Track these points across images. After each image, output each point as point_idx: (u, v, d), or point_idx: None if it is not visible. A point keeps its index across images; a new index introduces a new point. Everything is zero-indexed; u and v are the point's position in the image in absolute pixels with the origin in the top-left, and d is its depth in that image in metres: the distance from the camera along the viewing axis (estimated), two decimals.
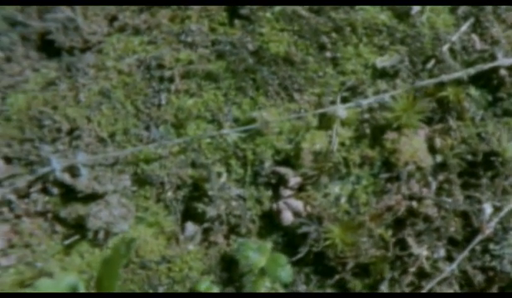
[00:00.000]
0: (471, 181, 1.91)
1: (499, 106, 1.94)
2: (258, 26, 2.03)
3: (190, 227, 2.01)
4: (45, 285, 1.59)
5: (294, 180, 1.95)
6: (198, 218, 2.01)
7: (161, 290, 1.96)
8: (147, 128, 2.03)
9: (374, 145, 1.94)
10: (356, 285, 1.91)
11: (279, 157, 1.98)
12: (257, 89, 2.01)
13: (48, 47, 2.12)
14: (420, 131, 1.94)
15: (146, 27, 2.08)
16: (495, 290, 1.85)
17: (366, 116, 1.96)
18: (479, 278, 1.87)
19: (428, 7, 1.99)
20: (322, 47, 2.01)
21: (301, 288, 1.94)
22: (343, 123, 1.96)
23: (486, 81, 1.95)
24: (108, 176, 1.98)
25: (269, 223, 1.99)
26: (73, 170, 1.97)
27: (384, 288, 1.88)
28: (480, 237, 1.86)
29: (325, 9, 2.02)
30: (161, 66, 2.04)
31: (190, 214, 2.02)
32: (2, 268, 1.95)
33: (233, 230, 2.00)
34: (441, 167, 1.93)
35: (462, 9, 2.00)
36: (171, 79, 2.03)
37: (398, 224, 1.90)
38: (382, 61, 1.99)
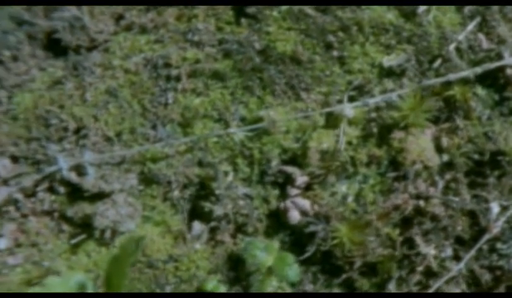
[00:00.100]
0: (478, 180, 1.91)
1: (506, 105, 1.94)
2: (264, 24, 2.03)
3: (197, 226, 2.01)
4: (53, 284, 1.59)
5: (301, 179, 1.95)
6: (205, 217, 2.01)
7: (168, 289, 1.96)
8: (154, 127, 2.02)
9: (381, 144, 1.94)
10: (364, 285, 1.91)
11: (286, 156, 1.98)
12: (264, 88, 2.01)
13: (55, 46, 2.11)
14: (427, 130, 1.94)
15: (152, 26, 2.08)
16: (502, 289, 1.85)
17: (373, 115, 1.96)
18: (486, 277, 1.87)
19: (435, 6, 1.99)
20: (329, 46, 2.01)
21: (309, 287, 1.94)
22: (350, 122, 1.96)
23: (493, 80, 1.95)
24: (115, 175, 1.98)
25: (276, 222, 1.99)
26: (80, 169, 1.97)
27: (391, 287, 1.88)
28: (487, 237, 1.86)
29: (331, 8, 2.02)
30: (167, 65, 2.03)
31: (196, 213, 2.02)
32: (9, 267, 1.95)
33: (240, 229, 2.00)
34: (448, 166, 1.93)
35: (469, 8, 2.00)
36: (178, 78, 2.03)
37: (406, 223, 1.90)
38: (389, 60, 1.99)
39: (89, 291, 1.56)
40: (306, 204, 1.93)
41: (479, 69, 1.92)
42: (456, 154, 1.91)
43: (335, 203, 1.92)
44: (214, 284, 1.94)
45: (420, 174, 1.91)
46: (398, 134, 1.92)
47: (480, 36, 1.98)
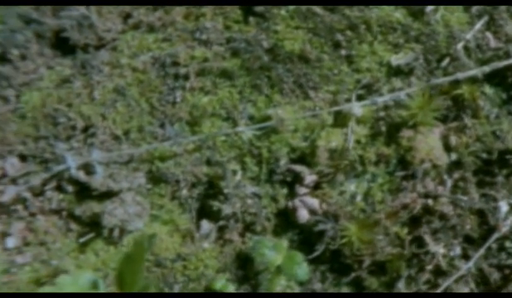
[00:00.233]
0: (487, 179, 1.91)
1: None
2: (272, 23, 2.03)
3: (206, 225, 2.01)
4: (64, 283, 1.59)
5: (310, 177, 1.95)
6: (213, 216, 2.00)
7: (176, 287, 1.96)
8: (162, 126, 2.02)
9: (389, 143, 1.94)
10: (373, 283, 1.91)
11: (294, 155, 1.98)
12: (272, 87, 2.01)
13: (62, 45, 2.11)
14: (435, 129, 1.94)
15: (160, 25, 2.08)
16: (511, 288, 1.85)
17: (382, 114, 1.96)
18: (495, 276, 1.87)
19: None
20: (337, 45, 2.01)
21: (317, 286, 1.94)
22: (358, 121, 1.96)
23: (501, 79, 1.95)
24: (123, 174, 1.98)
25: (284, 221, 1.99)
26: (88, 168, 1.97)
27: (400, 286, 1.88)
28: (496, 235, 1.86)
29: (339, 7, 2.02)
30: (175, 64, 2.03)
31: (205, 212, 2.02)
32: (18, 266, 1.95)
33: (248, 228, 2.00)
34: (457, 165, 1.93)
35: (476, 7, 2.00)
36: (186, 77, 2.02)
37: (414, 222, 1.90)
38: (397, 59, 1.99)
39: (101, 290, 1.56)
40: (314, 202, 1.93)
41: (487, 68, 1.92)
42: (465, 153, 1.91)
43: (344, 202, 1.92)
44: (222, 283, 1.94)
45: (428, 173, 1.91)
46: (406, 133, 1.92)
47: (488, 34, 1.98)
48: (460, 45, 1.96)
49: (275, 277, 1.91)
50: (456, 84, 1.94)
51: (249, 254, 1.94)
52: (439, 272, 1.88)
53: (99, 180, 1.96)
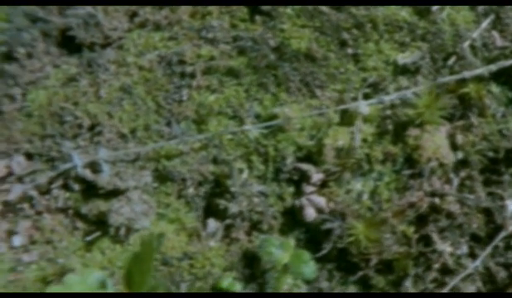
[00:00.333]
0: (493, 178, 1.91)
1: None
2: (279, 22, 2.03)
3: (212, 223, 2.01)
4: (72, 281, 1.59)
5: (316, 176, 1.95)
6: (220, 214, 2.00)
7: (183, 286, 1.95)
8: (169, 124, 2.02)
9: (396, 141, 1.94)
10: (380, 282, 1.91)
11: (301, 153, 1.98)
12: (278, 85, 2.01)
13: (69, 43, 2.11)
14: (442, 127, 1.94)
15: (166, 23, 2.07)
16: None
17: (388, 112, 1.96)
18: (502, 275, 1.86)
19: None
20: (343, 43, 2.01)
21: (324, 284, 1.94)
22: (365, 120, 1.96)
23: (507, 78, 1.95)
24: (130, 172, 1.98)
25: (291, 219, 1.99)
26: (94, 166, 1.97)
27: (407, 284, 1.88)
28: (503, 234, 1.86)
29: (345, 5, 2.01)
30: (182, 62, 2.03)
31: (211, 211, 2.02)
32: (24, 264, 1.95)
33: (255, 227, 2.00)
34: (463, 164, 1.92)
35: (482, 6, 2.00)
36: (193, 75, 2.02)
37: (421, 221, 1.90)
38: (403, 58, 1.99)
39: (109, 289, 1.55)
40: (321, 201, 1.93)
41: (493, 67, 1.92)
42: (471, 151, 1.91)
43: (351, 200, 1.92)
44: (229, 281, 1.94)
45: (435, 171, 1.91)
46: (413, 131, 1.92)
47: (494, 33, 1.98)
48: (466, 44, 1.96)
49: (282, 276, 1.90)
50: (463, 82, 1.94)
51: (256, 253, 1.93)
52: (446, 271, 1.87)
53: (105, 179, 1.96)
